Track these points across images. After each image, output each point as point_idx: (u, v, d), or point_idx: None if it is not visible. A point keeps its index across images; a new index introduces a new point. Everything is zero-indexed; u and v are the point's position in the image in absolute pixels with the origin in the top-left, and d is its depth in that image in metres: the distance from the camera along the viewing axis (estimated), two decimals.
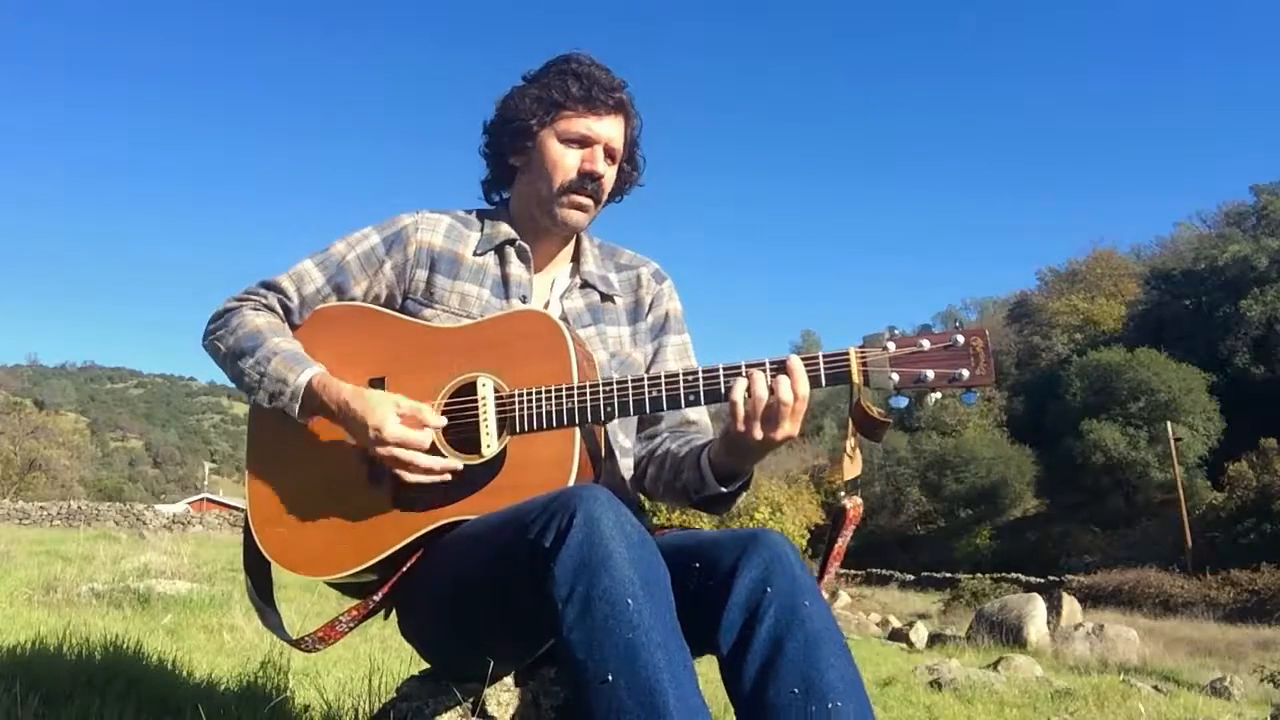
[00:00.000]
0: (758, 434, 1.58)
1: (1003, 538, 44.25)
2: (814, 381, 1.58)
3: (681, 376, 1.62)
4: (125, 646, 3.14)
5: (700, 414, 1.94)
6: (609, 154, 1.85)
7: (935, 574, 33.53)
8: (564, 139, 1.82)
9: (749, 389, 1.57)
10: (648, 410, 1.64)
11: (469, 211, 1.93)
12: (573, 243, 1.95)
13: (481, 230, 1.88)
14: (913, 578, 33.89)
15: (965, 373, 1.55)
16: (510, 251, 1.86)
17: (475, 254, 1.85)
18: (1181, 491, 35.26)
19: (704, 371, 1.62)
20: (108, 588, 5.75)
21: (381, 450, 1.62)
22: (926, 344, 1.56)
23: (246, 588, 1.85)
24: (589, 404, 1.62)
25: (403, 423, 1.63)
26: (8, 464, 46.68)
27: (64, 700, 2.37)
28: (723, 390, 1.60)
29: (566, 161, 1.82)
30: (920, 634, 15.06)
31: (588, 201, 1.83)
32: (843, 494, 1.62)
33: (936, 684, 5.96)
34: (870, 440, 1.61)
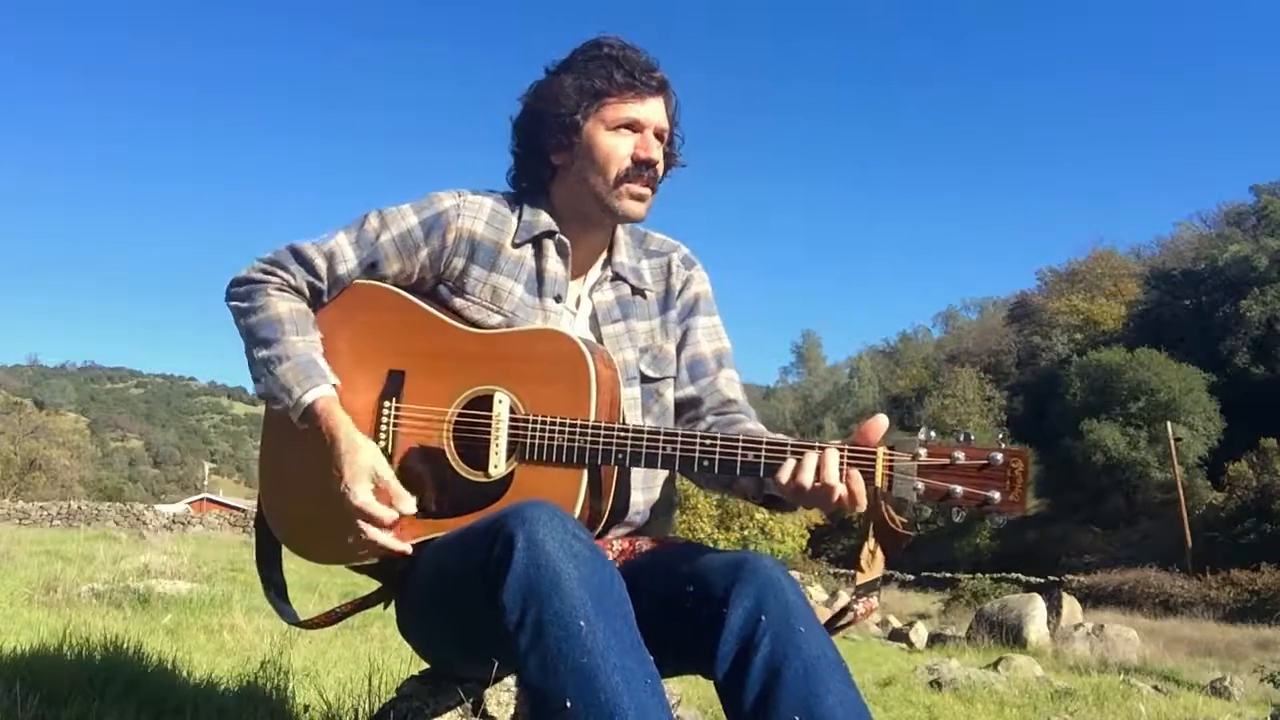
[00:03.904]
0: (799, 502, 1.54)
1: (1003, 538, 44.21)
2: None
3: (699, 439, 1.56)
4: (125, 646, 3.13)
5: (739, 391, 1.90)
6: (658, 137, 1.77)
7: (935, 574, 33.41)
8: (612, 127, 1.74)
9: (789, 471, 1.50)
10: (659, 466, 1.61)
11: (508, 194, 1.85)
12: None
13: (520, 218, 1.80)
14: (913, 578, 33.77)
15: (997, 496, 1.42)
16: (549, 245, 1.79)
17: (514, 244, 1.78)
18: (1181, 491, 35.18)
19: (722, 439, 1.56)
20: (108, 588, 5.73)
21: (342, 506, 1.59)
22: (961, 457, 1.44)
23: (257, 566, 1.84)
24: (601, 447, 1.58)
25: (374, 494, 1.59)
26: (8, 464, 46.61)
27: (64, 701, 2.37)
28: (738, 462, 1.54)
29: (620, 151, 1.73)
30: (920, 634, 15.06)
31: (646, 190, 1.75)
32: (855, 596, 1.53)
33: (936, 684, 5.95)
34: (889, 550, 1.49)
